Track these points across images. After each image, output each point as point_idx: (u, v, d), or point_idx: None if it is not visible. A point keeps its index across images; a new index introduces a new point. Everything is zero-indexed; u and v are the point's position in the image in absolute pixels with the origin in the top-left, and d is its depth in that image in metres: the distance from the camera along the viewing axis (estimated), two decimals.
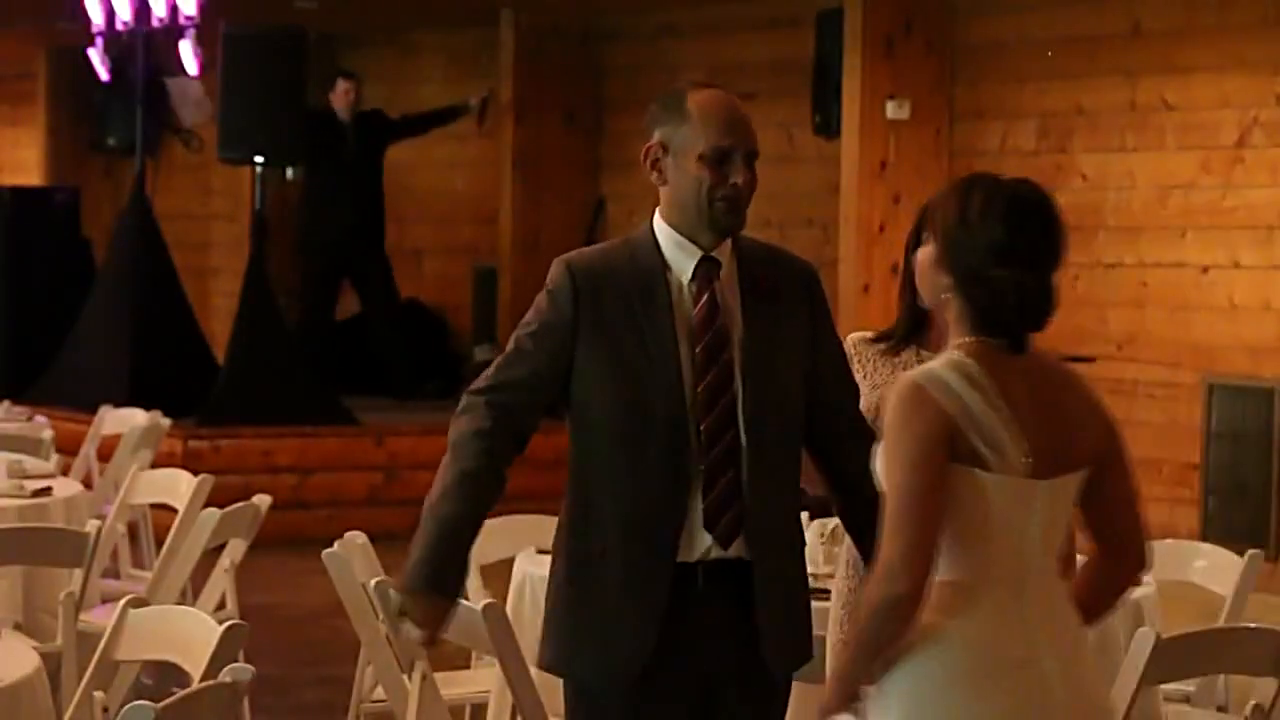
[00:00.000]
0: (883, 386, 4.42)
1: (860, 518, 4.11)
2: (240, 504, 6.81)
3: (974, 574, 3.58)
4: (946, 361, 3.60)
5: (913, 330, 4.37)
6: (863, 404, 4.39)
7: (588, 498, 4.16)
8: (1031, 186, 3.66)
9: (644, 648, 4.09)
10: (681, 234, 4.17)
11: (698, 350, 4.11)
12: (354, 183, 13.91)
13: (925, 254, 3.72)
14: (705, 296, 4.15)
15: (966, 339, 3.64)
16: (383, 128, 14.23)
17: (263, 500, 6.88)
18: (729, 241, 4.19)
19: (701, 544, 4.11)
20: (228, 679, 4.08)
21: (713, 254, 4.17)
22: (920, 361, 4.30)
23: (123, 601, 4.78)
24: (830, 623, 4.81)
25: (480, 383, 4.19)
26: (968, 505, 3.55)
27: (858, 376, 4.42)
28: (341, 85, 14.04)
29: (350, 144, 13.95)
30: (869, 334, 4.47)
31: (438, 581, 4.10)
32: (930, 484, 3.51)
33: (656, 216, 4.22)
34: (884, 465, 3.58)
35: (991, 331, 3.62)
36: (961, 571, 3.58)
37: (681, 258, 4.16)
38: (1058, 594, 3.66)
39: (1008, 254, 3.57)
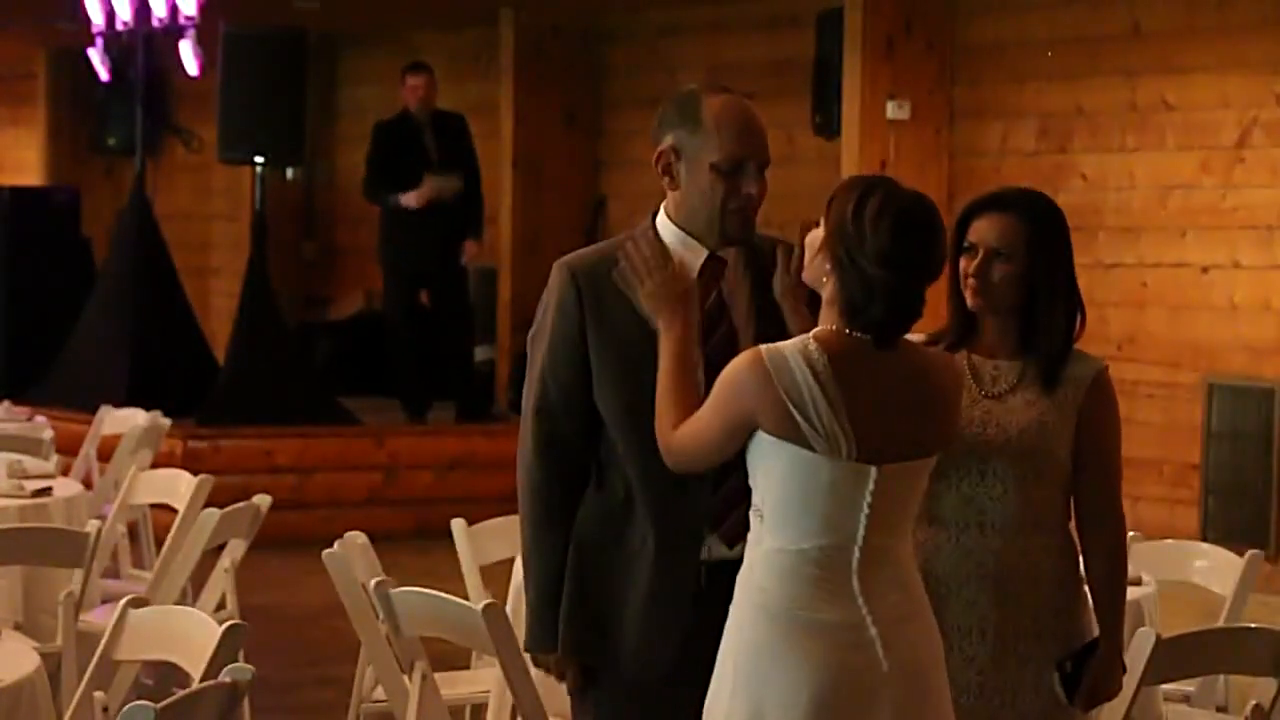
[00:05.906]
0: None
1: None
2: (240, 504, 6.80)
3: (801, 542, 3.81)
4: (796, 346, 3.81)
5: (964, 334, 4.34)
6: None
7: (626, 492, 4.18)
8: (924, 203, 3.87)
9: (666, 648, 4.12)
10: (689, 233, 4.15)
11: (705, 350, 4.10)
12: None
13: (814, 237, 3.92)
14: (712, 295, 4.15)
15: (830, 327, 3.85)
16: (462, 134, 13.09)
17: (263, 500, 6.87)
18: None
19: (706, 544, 4.14)
20: (228, 679, 4.08)
21: (719, 253, 4.17)
22: (973, 366, 4.29)
23: (123, 601, 4.77)
24: None
25: (526, 411, 4.20)
26: (795, 480, 3.80)
27: None
28: (410, 80, 12.86)
29: (428, 144, 12.81)
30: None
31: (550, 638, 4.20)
32: (727, 430, 3.82)
33: (661, 215, 4.20)
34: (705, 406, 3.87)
35: (857, 324, 3.83)
36: (791, 539, 3.82)
37: (688, 257, 4.14)
38: (893, 568, 3.86)
39: (889, 259, 3.78)
